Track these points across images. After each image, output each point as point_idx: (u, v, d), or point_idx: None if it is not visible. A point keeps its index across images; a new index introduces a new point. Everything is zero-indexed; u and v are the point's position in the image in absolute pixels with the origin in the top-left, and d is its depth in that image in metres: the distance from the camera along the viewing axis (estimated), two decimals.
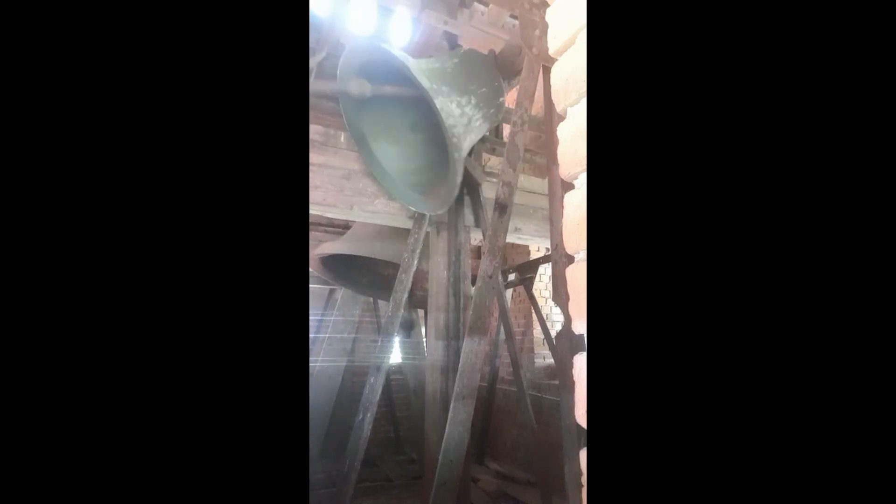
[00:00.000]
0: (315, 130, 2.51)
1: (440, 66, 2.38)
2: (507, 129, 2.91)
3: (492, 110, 2.52)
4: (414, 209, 2.61)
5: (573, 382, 0.65)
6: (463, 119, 2.31)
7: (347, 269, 3.72)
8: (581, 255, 0.68)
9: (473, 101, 2.39)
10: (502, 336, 4.34)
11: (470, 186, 2.63)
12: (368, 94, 2.31)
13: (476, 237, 2.90)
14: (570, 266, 0.69)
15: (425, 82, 2.10)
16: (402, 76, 2.20)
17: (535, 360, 4.85)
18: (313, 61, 2.45)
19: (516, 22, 2.53)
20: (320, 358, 4.00)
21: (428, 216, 2.61)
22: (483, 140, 2.73)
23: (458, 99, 2.31)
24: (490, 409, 4.79)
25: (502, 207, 2.08)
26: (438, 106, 2.12)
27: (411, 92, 2.30)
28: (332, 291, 4.47)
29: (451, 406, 1.96)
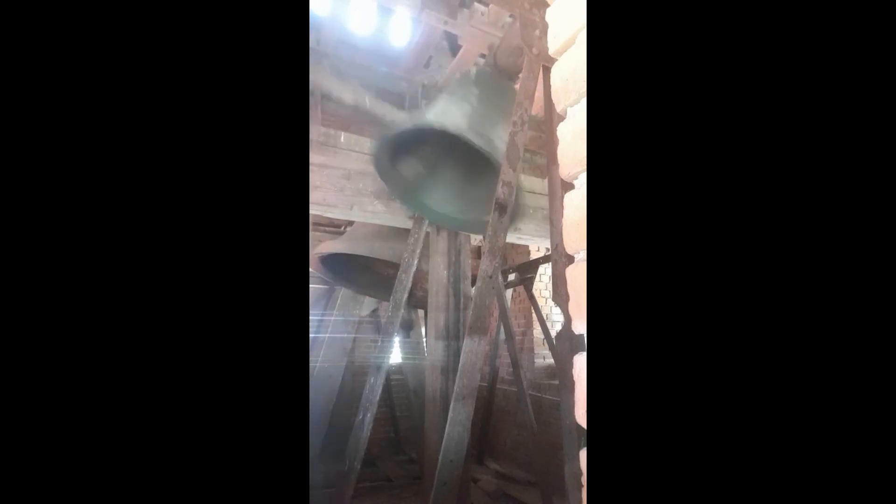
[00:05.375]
0: (315, 130, 2.51)
1: (469, 106, 2.33)
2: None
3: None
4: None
5: (573, 382, 0.65)
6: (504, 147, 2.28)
7: (347, 268, 3.72)
8: (581, 255, 0.68)
9: (503, 125, 2.36)
10: (502, 336, 4.34)
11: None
12: (422, 171, 2.29)
13: (476, 237, 2.89)
14: (570, 266, 0.69)
15: (482, 143, 2.06)
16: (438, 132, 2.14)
17: (535, 360, 4.85)
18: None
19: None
20: (320, 358, 4.00)
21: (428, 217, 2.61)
22: None
23: (496, 131, 2.27)
24: (490, 409, 4.79)
25: (502, 207, 2.08)
26: (497, 159, 2.10)
27: (451, 141, 2.24)
28: (331, 291, 4.46)
29: (451, 406, 1.95)
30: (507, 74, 2.55)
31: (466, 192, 2.63)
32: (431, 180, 2.55)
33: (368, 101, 2.45)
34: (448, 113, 2.17)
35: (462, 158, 2.52)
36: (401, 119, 2.37)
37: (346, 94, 2.32)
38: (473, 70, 2.59)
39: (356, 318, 4.15)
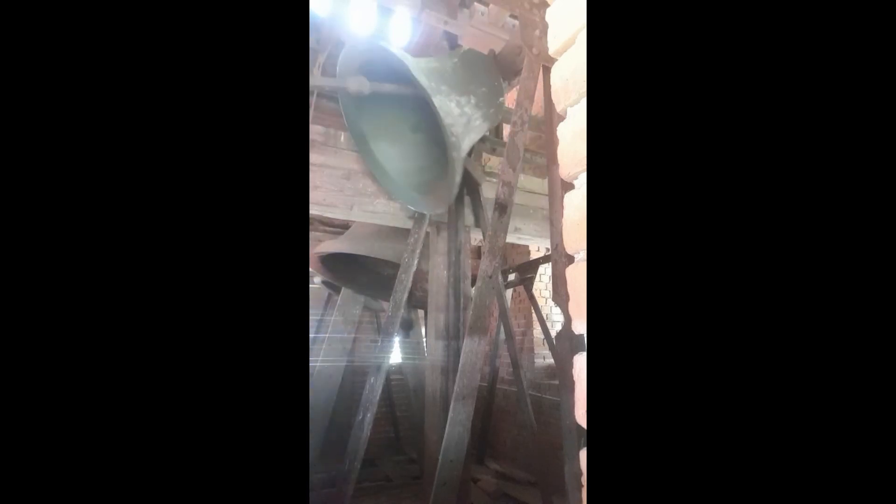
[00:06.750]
0: (315, 130, 2.51)
1: (440, 65, 2.39)
2: (507, 129, 2.91)
3: (491, 110, 2.53)
4: (414, 209, 2.61)
5: (573, 382, 0.65)
6: (462, 118, 2.31)
7: (347, 268, 3.72)
8: (581, 255, 0.68)
9: (473, 101, 2.39)
10: (502, 336, 4.34)
11: (470, 186, 2.63)
12: (367, 91, 2.30)
13: (476, 237, 2.90)
14: (570, 266, 0.69)
15: (424, 81, 2.10)
16: (401, 75, 2.21)
17: (535, 360, 4.85)
18: (316, 59, 2.45)
19: (516, 22, 2.53)
20: (320, 358, 4.00)
21: (428, 216, 2.61)
22: (483, 140, 2.73)
23: (458, 98, 2.31)
24: (490, 409, 4.79)
25: (502, 207, 2.08)
26: (437, 104, 2.12)
27: (410, 91, 2.30)
28: (330, 296, 4.46)
29: (451, 406, 1.95)
30: (501, 65, 2.58)
31: (405, 154, 2.66)
32: (376, 112, 2.56)
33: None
34: (409, 57, 2.21)
35: (413, 117, 2.57)
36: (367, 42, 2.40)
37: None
38: (464, 48, 2.64)
39: (356, 318, 4.15)
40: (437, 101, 2.13)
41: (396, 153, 2.66)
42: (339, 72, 2.32)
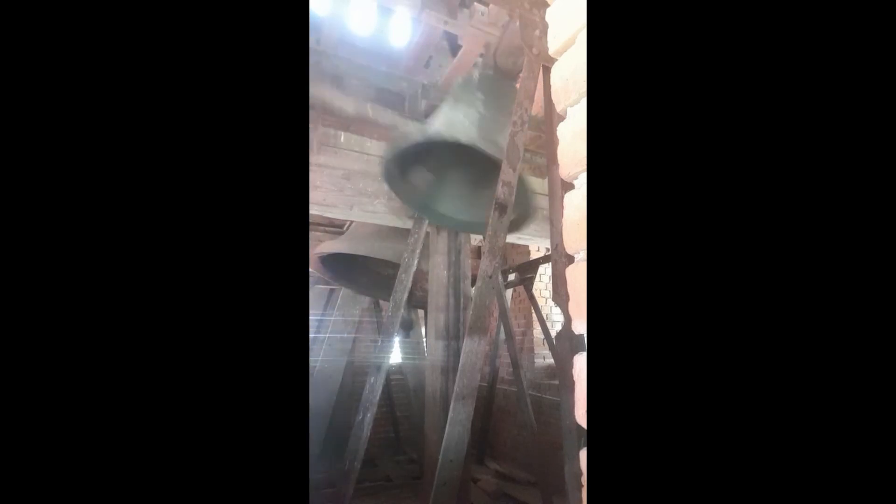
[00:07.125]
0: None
1: (476, 113, 2.32)
2: None
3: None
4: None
5: (573, 382, 0.65)
6: (506, 143, 2.29)
7: (347, 268, 3.72)
8: (581, 255, 0.68)
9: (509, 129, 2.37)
10: (502, 336, 4.35)
11: None
12: (432, 179, 2.28)
13: (476, 237, 2.90)
14: (570, 266, 0.69)
15: (493, 150, 2.05)
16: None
17: (535, 360, 4.86)
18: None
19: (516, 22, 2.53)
20: (320, 358, 4.00)
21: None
22: None
23: (504, 136, 2.28)
24: (490, 409, 4.79)
25: (502, 207, 2.08)
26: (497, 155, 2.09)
27: (459, 151, 2.22)
28: (332, 291, 4.47)
29: (451, 406, 1.95)
30: (508, 75, 2.54)
31: (478, 195, 2.62)
32: (442, 187, 2.54)
33: (371, 110, 2.44)
34: (456, 122, 2.16)
35: (471, 163, 2.51)
36: (410, 130, 2.36)
37: (348, 104, 2.31)
38: (476, 73, 2.58)
39: (356, 318, 4.15)
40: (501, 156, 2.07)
41: (459, 199, 2.60)
42: (386, 171, 2.25)
